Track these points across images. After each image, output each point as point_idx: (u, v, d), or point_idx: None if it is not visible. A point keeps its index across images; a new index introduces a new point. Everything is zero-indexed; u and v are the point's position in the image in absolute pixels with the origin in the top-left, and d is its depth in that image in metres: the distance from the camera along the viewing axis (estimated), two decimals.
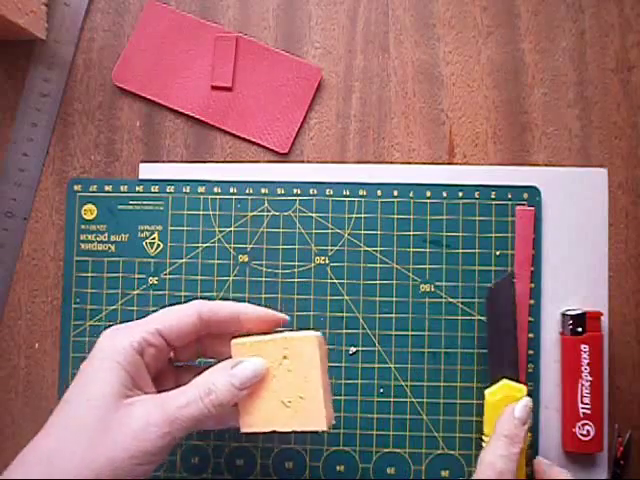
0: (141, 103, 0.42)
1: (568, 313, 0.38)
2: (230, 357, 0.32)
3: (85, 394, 0.28)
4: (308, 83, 0.41)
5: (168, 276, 0.40)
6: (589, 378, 0.37)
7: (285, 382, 0.31)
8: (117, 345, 0.29)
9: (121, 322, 0.40)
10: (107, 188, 0.41)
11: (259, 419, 0.31)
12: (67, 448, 0.27)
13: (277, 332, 0.32)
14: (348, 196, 0.40)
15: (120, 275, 0.40)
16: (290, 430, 0.30)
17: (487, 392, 0.36)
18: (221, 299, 0.40)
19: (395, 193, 0.40)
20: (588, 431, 0.37)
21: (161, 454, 0.28)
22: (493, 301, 0.38)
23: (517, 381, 0.36)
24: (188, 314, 0.31)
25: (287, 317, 0.33)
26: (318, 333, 0.31)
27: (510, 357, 0.37)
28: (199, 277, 0.40)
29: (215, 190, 0.41)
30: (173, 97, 0.41)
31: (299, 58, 0.41)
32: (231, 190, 0.41)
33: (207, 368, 0.31)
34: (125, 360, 0.29)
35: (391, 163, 0.41)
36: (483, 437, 0.36)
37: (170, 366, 0.34)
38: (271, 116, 0.41)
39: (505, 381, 0.36)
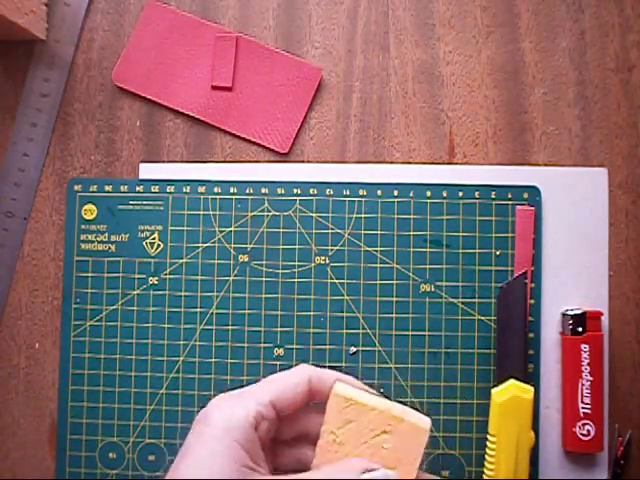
0: (141, 103, 0.42)
1: (568, 313, 0.38)
2: None
3: (203, 476, 0.25)
4: (308, 83, 0.41)
5: (168, 276, 0.40)
6: (589, 378, 0.37)
7: (376, 454, 0.28)
8: (233, 421, 0.26)
9: (121, 322, 0.40)
10: (107, 188, 0.41)
11: None
12: None
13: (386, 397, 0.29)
14: (348, 196, 0.40)
15: (120, 275, 0.40)
16: None
17: (494, 392, 0.36)
18: (221, 299, 0.40)
19: (395, 193, 0.40)
20: (588, 431, 0.37)
21: None
22: (504, 301, 0.38)
23: (525, 382, 0.36)
24: (298, 382, 0.28)
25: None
26: (428, 420, 0.28)
27: (519, 357, 0.37)
28: (199, 277, 0.40)
29: (215, 190, 0.41)
30: (173, 97, 0.41)
31: (299, 58, 0.41)
32: (231, 190, 0.41)
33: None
34: (243, 438, 0.26)
35: (391, 163, 0.41)
36: (489, 437, 0.36)
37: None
38: (271, 116, 0.41)
39: (512, 381, 0.36)
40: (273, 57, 0.41)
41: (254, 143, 0.41)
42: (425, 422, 0.28)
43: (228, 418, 0.26)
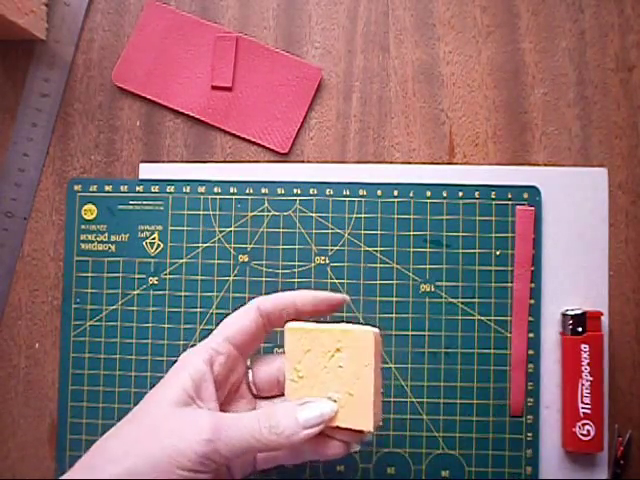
0: (141, 103, 0.42)
1: (568, 313, 0.38)
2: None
3: (150, 400, 0.29)
4: (308, 83, 0.41)
5: (168, 276, 0.40)
6: (589, 378, 0.37)
7: (335, 376, 0.29)
8: (189, 358, 0.30)
9: (121, 322, 0.40)
10: (107, 188, 0.41)
11: None
12: (121, 445, 0.28)
13: (336, 322, 0.31)
14: (348, 196, 0.40)
15: (120, 275, 0.40)
16: (333, 426, 0.29)
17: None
18: (221, 299, 0.40)
19: (395, 193, 0.40)
20: (588, 431, 0.37)
21: (201, 466, 0.27)
22: None
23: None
24: (247, 311, 0.31)
25: (347, 297, 0.33)
26: (376, 330, 0.30)
27: None
28: (199, 277, 0.40)
29: (215, 190, 0.41)
30: (173, 97, 0.41)
31: (299, 58, 0.41)
32: (231, 190, 0.41)
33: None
34: (193, 369, 0.29)
35: (391, 163, 0.41)
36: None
37: (249, 395, 0.33)
38: (271, 116, 0.41)
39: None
40: (273, 57, 0.41)
41: (254, 143, 0.41)
42: (371, 329, 0.30)
43: (186, 357, 0.30)
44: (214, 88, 0.41)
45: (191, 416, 0.28)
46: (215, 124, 0.41)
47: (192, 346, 0.39)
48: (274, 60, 0.41)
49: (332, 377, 0.29)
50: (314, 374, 0.30)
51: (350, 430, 0.29)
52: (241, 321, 0.31)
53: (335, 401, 0.29)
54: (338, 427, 0.29)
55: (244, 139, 0.41)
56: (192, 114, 0.41)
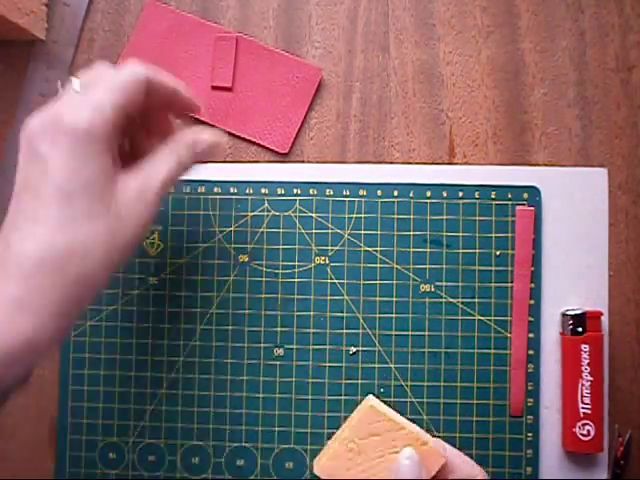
0: None
1: (568, 313, 0.38)
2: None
3: (79, 182, 0.27)
4: (308, 83, 0.41)
5: (168, 276, 0.40)
6: (589, 378, 0.37)
7: (387, 467, 0.30)
8: (97, 124, 0.27)
9: (121, 322, 0.40)
10: None
11: (341, 475, 0.30)
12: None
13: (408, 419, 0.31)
14: (348, 196, 0.40)
15: (120, 275, 0.40)
16: None
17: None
18: (221, 299, 0.40)
19: (395, 193, 0.40)
20: (588, 431, 0.37)
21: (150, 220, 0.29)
22: None
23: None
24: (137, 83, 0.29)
25: (199, 107, 0.34)
26: (431, 438, 0.30)
27: None
28: (199, 277, 0.40)
29: (215, 190, 0.41)
30: None
31: (299, 58, 0.41)
32: (231, 190, 0.41)
33: None
34: (112, 139, 0.28)
35: (391, 163, 0.41)
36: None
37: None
38: (271, 116, 0.41)
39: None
40: (273, 57, 0.41)
41: (254, 143, 0.41)
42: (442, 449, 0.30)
43: (91, 121, 0.27)
44: (214, 88, 0.41)
45: (132, 182, 0.29)
46: (215, 124, 0.41)
47: (192, 346, 0.40)
48: (274, 60, 0.41)
49: (385, 467, 0.30)
50: (369, 456, 0.30)
51: None
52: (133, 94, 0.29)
53: None
54: None
55: (244, 139, 0.41)
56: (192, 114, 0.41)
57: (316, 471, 0.31)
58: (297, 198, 0.40)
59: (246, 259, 0.40)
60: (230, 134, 0.41)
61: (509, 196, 0.40)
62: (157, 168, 0.30)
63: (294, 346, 0.39)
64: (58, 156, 0.27)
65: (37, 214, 0.26)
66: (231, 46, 0.41)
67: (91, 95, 0.28)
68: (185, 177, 0.32)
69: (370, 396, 0.31)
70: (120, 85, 0.28)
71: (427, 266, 0.39)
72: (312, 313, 0.39)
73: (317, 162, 0.41)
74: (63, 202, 0.26)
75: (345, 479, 0.30)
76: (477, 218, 0.40)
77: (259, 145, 0.41)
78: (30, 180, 0.27)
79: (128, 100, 0.28)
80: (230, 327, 0.40)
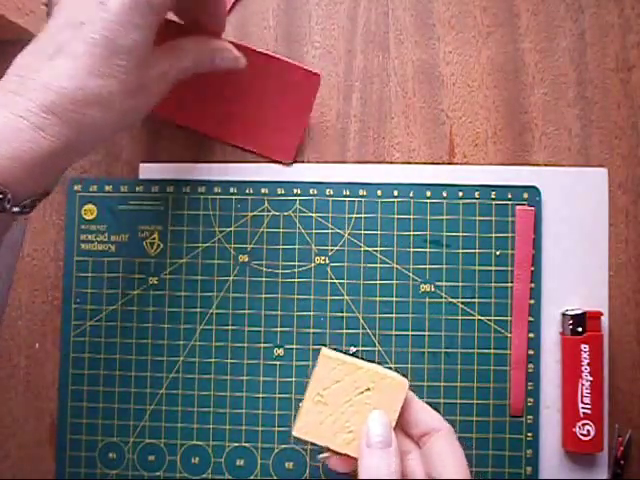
0: None
1: (568, 313, 0.38)
2: None
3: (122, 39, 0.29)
4: (307, 90, 0.39)
5: (168, 276, 0.40)
6: (589, 378, 0.37)
7: (357, 411, 0.31)
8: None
9: (121, 322, 0.40)
10: (107, 188, 0.41)
11: (316, 431, 0.31)
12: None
13: (367, 360, 0.32)
14: (348, 196, 0.40)
15: (120, 275, 0.40)
16: (342, 453, 0.31)
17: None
18: (221, 299, 0.40)
19: (395, 193, 0.40)
20: (588, 431, 0.37)
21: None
22: None
23: None
24: None
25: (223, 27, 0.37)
26: (406, 380, 0.32)
27: None
28: (199, 277, 0.40)
29: (215, 190, 0.41)
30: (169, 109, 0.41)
31: (297, 62, 0.40)
32: (231, 190, 0.41)
33: None
34: (164, 14, 0.31)
35: (391, 163, 0.41)
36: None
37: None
38: (272, 126, 0.40)
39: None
40: (269, 63, 0.39)
41: (257, 154, 0.41)
42: (403, 379, 0.32)
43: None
44: (211, 98, 0.40)
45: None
46: (217, 137, 0.41)
47: (192, 346, 0.40)
48: (271, 66, 0.39)
49: (354, 411, 0.31)
50: (336, 404, 0.31)
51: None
52: None
53: (350, 431, 0.31)
54: (348, 455, 0.31)
55: (248, 151, 0.41)
56: (190, 126, 0.41)
57: (295, 434, 0.32)
58: (297, 198, 0.40)
59: (246, 259, 0.40)
60: (233, 146, 0.41)
61: (509, 196, 0.40)
62: (181, 58, 0.33)
63: (294, 346, 0.39)
64: (119, 9, 0.29)
65: (77, 50, 0.29)
66: None
67: None
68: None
69: (323, 348, 0.33)
70: None
71: (427, 266, 0.39)
72: (312, 313, 0.39)
73: (317, 162, 0.41)
74: (105, 53, 0.29)
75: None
76: (477, 218, 0.40)
77: (263, 157, 0.41)
78: (79, 17, 0.29)
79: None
80: (230, 327, 0.40)
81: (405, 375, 0.32)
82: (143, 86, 0.31)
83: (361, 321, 0.39)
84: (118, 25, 0.28)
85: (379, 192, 0.40)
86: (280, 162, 0.40)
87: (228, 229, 0.40)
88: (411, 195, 0.40)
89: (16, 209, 0.28)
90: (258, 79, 0.39)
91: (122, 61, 0.29)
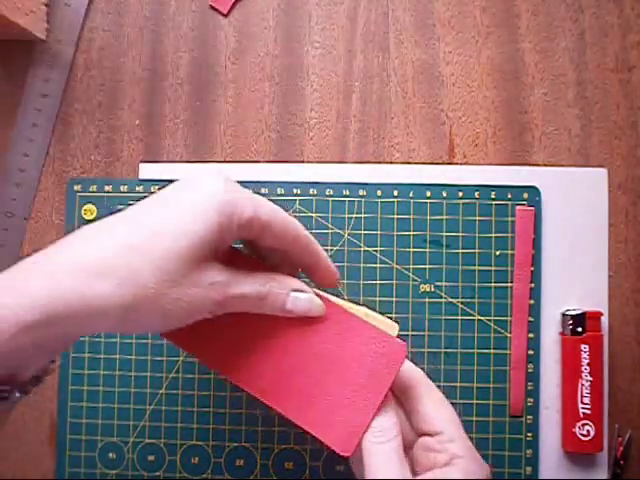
0: (141, 103, 0.42)
1: (568, 313, 0.38)
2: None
3: (174, 231, 0.26)
4: (388, 362, 0.29)
5: None
6: (589, 378, 0.37)
7: None
8: (234, 205, 0.26)
9: None
10: (107, 188, 0.41)
11: None
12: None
13: (354, 303, 0.32)
14: (348, 196, 0.40)
15: None
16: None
17: None
18: None
19: (395, 193, 0.40)
20: (588, 431, 0.37)
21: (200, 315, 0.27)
22: None
23: None
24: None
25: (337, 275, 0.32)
26: (396, 325, 0.31)
27: None
28: None
29: None
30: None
31: (379, 330, 0.30)
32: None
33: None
34: (229, 226, 0.26)
35: (391, 163, 0.41)
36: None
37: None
38: (336, 400, 0.29)
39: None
40: (348, 322, 0.30)
41: (312, 435, 0.29)
42: (392, 322, 0.31)
43: (229, 201, 0.27)
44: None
45: (209, 275, 0.27)
46: (261, 398, 0.29)
47: None
48: (348, 326, 0.30)
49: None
50: None
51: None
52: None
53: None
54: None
55: (298, 426, 0.29)
56: (251, 392, 0.29)
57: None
58: (297, 198, 0.40)
59: None
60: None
61: (509, 196, 0.40)
62: (241, 288, 0.28)
63: None
64: (192, 208, 0.27)
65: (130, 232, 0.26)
66: None
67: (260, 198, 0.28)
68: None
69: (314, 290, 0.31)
70: (288, 222, 0.29)
71: (427, 266, 0.39)
72: None
73: (317, 162, 0.41)
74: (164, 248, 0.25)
75: None
76: (477, 218, 0.40)
77: (317, 440, 0.29)
78: (161, 199, 0.28)
79: (281, 231, 0.29)
80: None
81: None
82: (182, 294, 0.26)
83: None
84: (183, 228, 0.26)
85: (379, 192, 0.40)
86: (334, 451, 0.28)
87: None
88: (411, 195, 0.40)
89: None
90: (331, 337, 0.30)
91: (169, 264, 0.25)
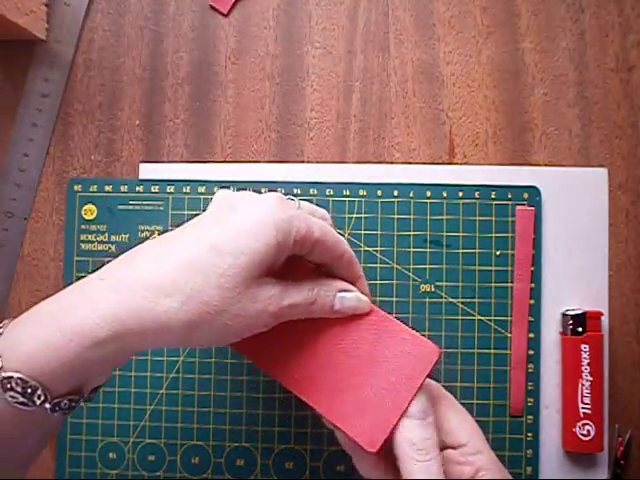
0: (141, 103, 0.42)
1: (568, 313, 0.38)
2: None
3: (234, 250, 0.26)
4: (419, 363, 0.30)
5: None
6: (589, 378, 0.37)
7: None
8: (290, 222, 0.27)
9: None
10: (107, 188, 0.41)
11: None
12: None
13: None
14: (348, 196, 0.40)
15: None
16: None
17: None
18: None
19: (395, 193, 0.40)
20: (588, 431, 0.37)
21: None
22: None
23: None
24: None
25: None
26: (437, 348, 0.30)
27: None
28: None
29: (215, 190, 0.41)
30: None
31: (413, 331, 0.30)
32: (231, 190, 0.40)
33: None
34: (286, 243, 0.27)
35: (391, 163, 0.41)
36: None
37: None
38: (366, 397, 0.30)
39: None
40: (384, 324, 0.31)
41: (340, 430, 0.30)
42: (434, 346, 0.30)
43: (287, 219, 0.27)
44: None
45: (264, 293, 0.27)
46: (295, 391, 0.31)
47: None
48: (383, 326, 0.31)
49: None
50: None
51: None
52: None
53: None
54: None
55: (328, 420, 0.30)
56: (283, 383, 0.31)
57: None
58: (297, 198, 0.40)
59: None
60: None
61: (509, 196, 0.40)
62: (292, 297, 0.28)
63: None
64: (249, 230, 0.27)
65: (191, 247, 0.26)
66: None
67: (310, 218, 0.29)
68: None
69: None
70: (334, 238, 0.30)
71: (427, 266, 0.39)
72: None
73: (317, 162, 0.41)
74: (220, 267, 0.26)
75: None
76: (477, 218, 0.40)
77: (344, 433, 0.30)
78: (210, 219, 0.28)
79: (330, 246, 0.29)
80: None
81: None
82: (238, 310, 0.27)
83: None
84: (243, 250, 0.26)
85: (379, 192, 0.40)
86: (361, 447, 0.29)
87: None
88: (411, 195, 0.40)
89: (48, 405, 0.25)
90: (363, 339, 0.31)
91: (228, 278, 0.26)
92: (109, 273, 0.27)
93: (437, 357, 0.29)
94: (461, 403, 0.38)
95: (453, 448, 0.29)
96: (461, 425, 0.30)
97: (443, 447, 0.30)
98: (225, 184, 0.40)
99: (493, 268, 0.39)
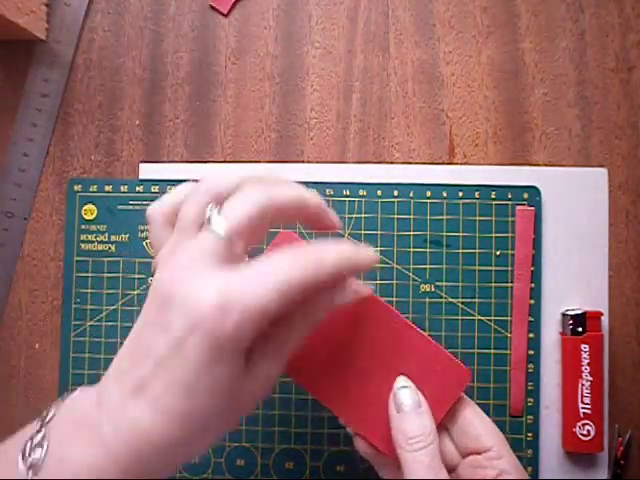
0: (141, 103, 0.42)
1: (568, 313, 0.38)
2: None
3: (207, 391, 0.23)
4: (451, 384, 0.30)
5: None
6: (589, 378, 0.37)
7: None
8: (239, 328, 0.23)
9: (121, 322, 0.40)
10: (107, 188, 0.41)
11: None
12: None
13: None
14: (348, 196, 0.40)
15: (120, 275, 0.40)
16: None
17: None
18: None
19: (395, 193, 0.40)
20: (588, 431, 0.37)
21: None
22: None
23: None
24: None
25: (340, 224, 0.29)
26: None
27: None
28: None
29: None
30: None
31: (448, 353, 0.30)
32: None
33: None
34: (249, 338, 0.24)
35: (391, 163, 0.41)
36: None
37: None
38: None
39: None
40: (415, 340, 0.31)
41: (367, 441, 0.31)
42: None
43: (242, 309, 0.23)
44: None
45: (260, 369, 0.26)
46: (325, 403, 0.31)
47: None
48: (414, 343, 0.31)
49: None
50: None
51: None
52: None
53: None
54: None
55: (358, 434, 0.31)
56: (316, 397, 0.31)
57: None
58: None
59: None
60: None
61: (509, 196, 0.40)
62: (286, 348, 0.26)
63: None
64: (191, 353, 0.23)
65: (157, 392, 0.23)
66: None
67: (249, 286, 0.24)
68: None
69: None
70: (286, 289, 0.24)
71: (427, 266, 0.39)
72: None
73: (317, 162, 0.41)
74: (181, 395, 0.23)
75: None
76: (477, 218, 0.40)
77: (369, 444, 0.31)
78: (151, 344, 0.24)
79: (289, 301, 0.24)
80: None
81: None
82: (238, 407, 0.25)
83: None
84: (192, 374, 0.23)
85: (379, 192, 0.40)
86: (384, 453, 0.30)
87: None
88: (411, 195, 0.40)
89: None
90: (393, 353, 0.30)
91: (203, 401, 0.23)
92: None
93: (469, 381, 0.30)
94: None
95: (478, 453, 0.30)
96: (487, 430, 0.30)
97: (466, 453, 0.30)
98: None
99: (493, 268, 0.39)
